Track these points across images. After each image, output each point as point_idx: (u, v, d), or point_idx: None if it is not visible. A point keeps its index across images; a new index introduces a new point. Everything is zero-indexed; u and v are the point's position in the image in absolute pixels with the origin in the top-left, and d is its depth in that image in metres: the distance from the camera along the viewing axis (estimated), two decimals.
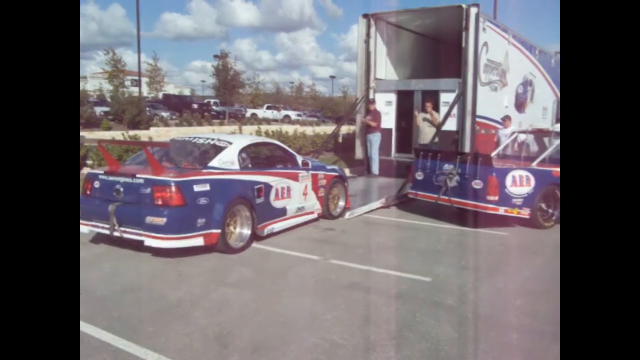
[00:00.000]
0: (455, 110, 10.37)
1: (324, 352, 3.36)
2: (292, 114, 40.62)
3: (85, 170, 8.32)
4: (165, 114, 28.66)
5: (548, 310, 4.09)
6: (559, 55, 15.54)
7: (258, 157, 6.87)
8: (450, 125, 10.41)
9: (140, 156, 6.32)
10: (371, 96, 11.56)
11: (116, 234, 5.41)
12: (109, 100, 30.45)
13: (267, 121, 31.26)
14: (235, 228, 5.80)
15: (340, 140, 15.69)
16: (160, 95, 44.45)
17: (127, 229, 5.34)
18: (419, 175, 7.94)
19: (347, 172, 10.10)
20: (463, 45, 10.13)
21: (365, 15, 11.40)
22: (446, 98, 10.69)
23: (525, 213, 7.01)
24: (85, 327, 3.60)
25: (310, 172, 7.16)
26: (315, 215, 7.29)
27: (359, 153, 11.78)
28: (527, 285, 4.86)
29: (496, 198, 6.89)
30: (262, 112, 39.60)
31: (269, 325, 3.78)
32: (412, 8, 11.50)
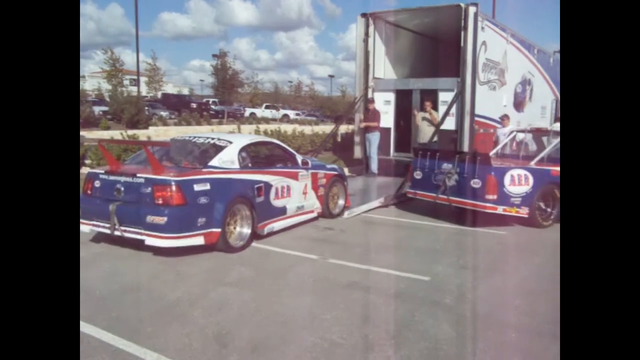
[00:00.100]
0: (454, 110, 10.38)
1: (323, 351, 3.37)
2: (291, 113, 40.60)
3: (84, 170, 8.32)
4: (164, 114, 28.60)
5: (546, 309, 4.11)
6: (557, 55, 15.58)
7: (258, 156, 6.89)
8: (449, 124, 10.43)
9: (140, 155, 6.32)
10: (370, 95, 11.57)
11: (117, 233, 5.42)
12: (107, 99, 30.37)
13: (266, 120, 31.22)
14: (235, 227, 5.81)
15: (339, 139, 15.70)
16: (159, 94, 44.37)
17: (128, 229, 5.35)
18: (418, 175, 7.95)
19: (346, 171, 10.11)
20: (462, 44, 10.15)
21: (364, 15, 11.40)
22: (445, 97, 10.70)
23: (523, 212, 7.02)
24: (84, 327, 3.61)
25: (310, 171, 7.17)
26: (315, 214, 7.30)
27: (357, 152, 11.79)
28: (525, 285, 4.87)
29: (495, 197, 6.90)
30: (260, 112, 39.54)
31: (268, 325, 3.79)
32: (411, 7, 11.59)
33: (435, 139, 10.21)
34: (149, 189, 5.27)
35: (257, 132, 15.11)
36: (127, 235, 5.38)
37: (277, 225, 6.47)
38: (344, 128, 16.21)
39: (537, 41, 13.84)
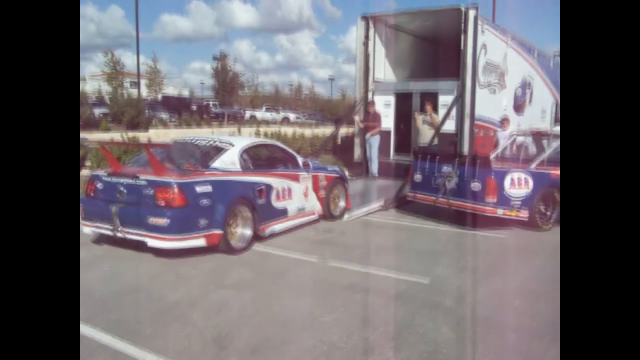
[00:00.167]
0: (454, 112, 10.39)
1: (323, 353, 3.38)
2: (291, 116, 40.61)
3: (84, 172, 8.33)
4: (164, 116, 28.66)
5: (546, 311, 4.11)
6: (557, 57, 15.57)
7: (259, 158, 6.89)
8: (449, 127, 10.43)
9: (141, 157, 6.33)
10: (370, 98, 11.58)
11: (119, 234, 5.42)
12: (107, 101, 30.42)
13: (266, 122, 31.24)
14: (236, 229, 5.82)
15: (339, 141, 15.70)
16: (160, 96, 44.41)
17: (130, 230, 5.36)
18: (418, 177, 7.96)
19: (346, 173, 10.11)
20: (462, 47, 10.16)
21: (364, 17, 11.42)
22: (445, 100, 10.72)
23: (523, 215, 7.02)
24: (84, 328, 3.61)
25: (311, 173, 7.18)
26: (316, 216, 7.31)
27: (358, 154, 11.80)
28: (525, 287, 4.87)
29: (495, 200, 6.91)
30: (261, 114, 39.55)
31: (267, 327, 3.79)
32: (411, 10, 11.50)
33: (436, 141, 10.21)
34: (150, 191, 5.28)
35: (257, 134, 15.12)
36: (128, 236, 5.38)
37: (278, 227, 6.47)
38: (344, 130, 16.22)
39: (537, 44, 13.87)
